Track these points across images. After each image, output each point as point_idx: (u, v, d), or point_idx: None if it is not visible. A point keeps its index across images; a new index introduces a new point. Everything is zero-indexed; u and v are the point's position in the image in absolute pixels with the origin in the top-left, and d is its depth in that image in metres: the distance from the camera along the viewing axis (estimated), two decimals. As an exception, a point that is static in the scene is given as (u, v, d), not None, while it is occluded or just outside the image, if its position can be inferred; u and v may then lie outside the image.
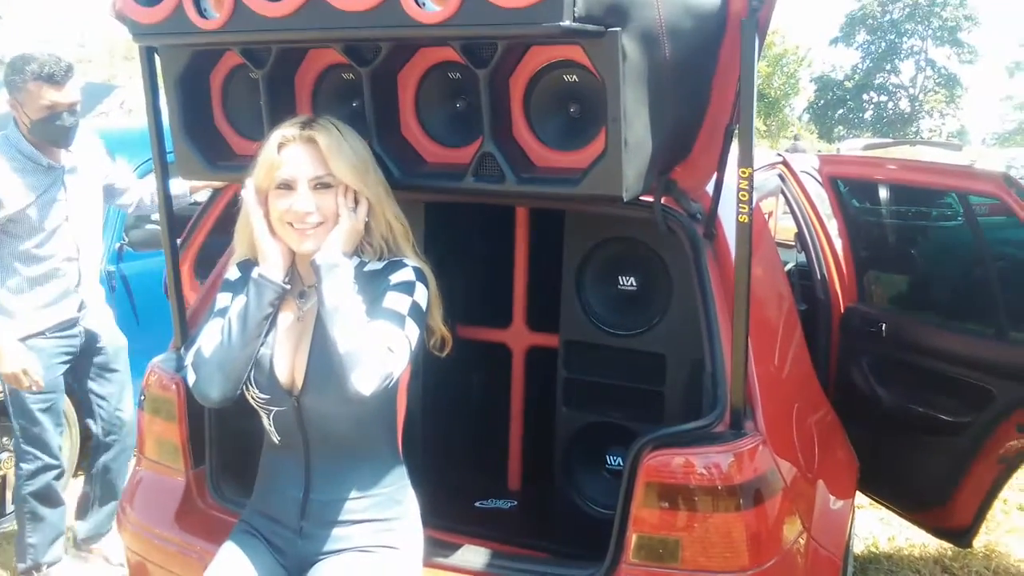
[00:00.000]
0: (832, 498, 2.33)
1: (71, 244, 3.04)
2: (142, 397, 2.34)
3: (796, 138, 21.21)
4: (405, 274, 1.69)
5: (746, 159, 1.77)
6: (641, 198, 1.96)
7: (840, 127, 40.12)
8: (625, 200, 1.71)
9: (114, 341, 3.27)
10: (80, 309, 3.10)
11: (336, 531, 1.75)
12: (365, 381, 1.54)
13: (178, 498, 2.23)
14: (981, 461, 2.79)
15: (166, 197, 2.19)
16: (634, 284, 2.37)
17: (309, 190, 1.65)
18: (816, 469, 2.29)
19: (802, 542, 2.03)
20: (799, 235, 3.36)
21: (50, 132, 2.89)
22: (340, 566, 1.72)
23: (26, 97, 2.83)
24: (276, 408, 1.71)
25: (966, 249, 2.98)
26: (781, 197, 3.41)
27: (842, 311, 3.24)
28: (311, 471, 1.75)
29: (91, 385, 3.22)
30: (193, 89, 1.95)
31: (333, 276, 1.61)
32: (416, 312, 1.66)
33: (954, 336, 2.87)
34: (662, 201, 2.02)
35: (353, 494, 1.74)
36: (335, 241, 1.66)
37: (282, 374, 1.69)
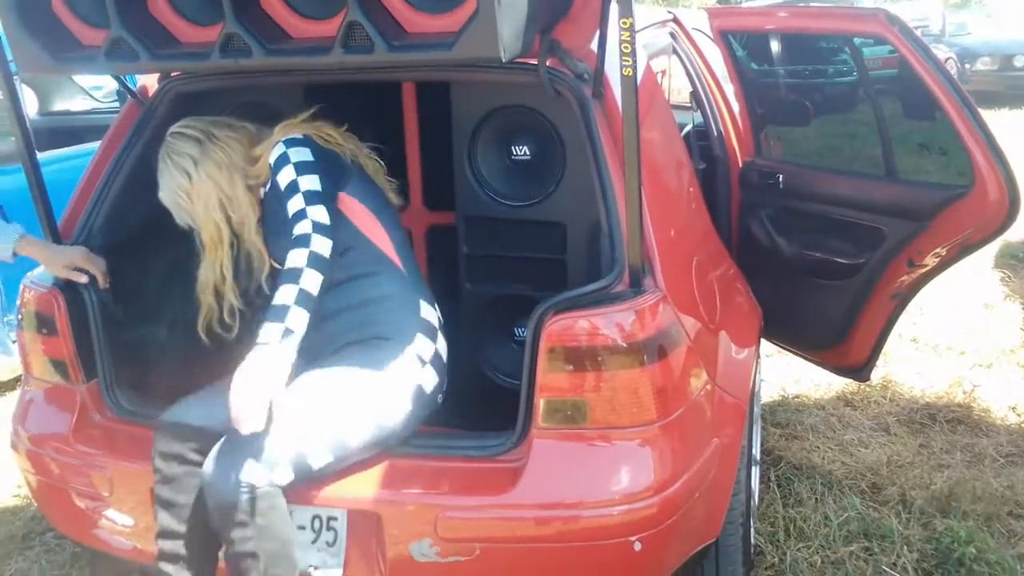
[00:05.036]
0: (735, 347, 2.39)
1: None
2: (20, 316, 2.21)
3: None
4: (282, 178, 1.92)
5: (626, 9, 1.70)
6: (525, 61, 1.89)
7: (738, -12, 39.88)
8: (504, 60, 1.64)
9: None
10: None
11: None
12: None
13: (74, 414, 2.14)
14: (875, 299, 2.89)
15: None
16: (528, 153, 2.32)
17: None
18: (719, 320, 2.33)
19: (707, 391, 2.08)
20: (694, 93, 3.32)
21: None
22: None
23: None
24: None
25: (856, 96, 3.00)
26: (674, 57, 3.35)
27: (740, 167, 3.25)
28: None
29: None
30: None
31: None
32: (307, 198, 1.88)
33: (848, 180, 2.92)
34: (547, 63, 1.95)
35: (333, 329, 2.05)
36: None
37: None
